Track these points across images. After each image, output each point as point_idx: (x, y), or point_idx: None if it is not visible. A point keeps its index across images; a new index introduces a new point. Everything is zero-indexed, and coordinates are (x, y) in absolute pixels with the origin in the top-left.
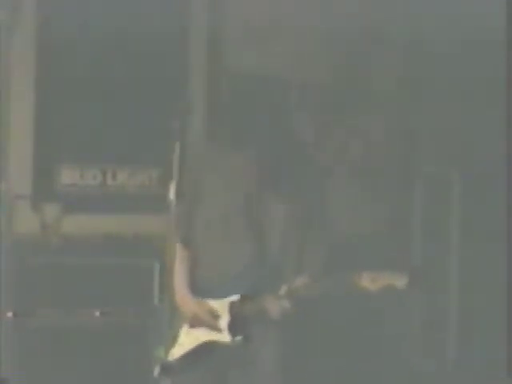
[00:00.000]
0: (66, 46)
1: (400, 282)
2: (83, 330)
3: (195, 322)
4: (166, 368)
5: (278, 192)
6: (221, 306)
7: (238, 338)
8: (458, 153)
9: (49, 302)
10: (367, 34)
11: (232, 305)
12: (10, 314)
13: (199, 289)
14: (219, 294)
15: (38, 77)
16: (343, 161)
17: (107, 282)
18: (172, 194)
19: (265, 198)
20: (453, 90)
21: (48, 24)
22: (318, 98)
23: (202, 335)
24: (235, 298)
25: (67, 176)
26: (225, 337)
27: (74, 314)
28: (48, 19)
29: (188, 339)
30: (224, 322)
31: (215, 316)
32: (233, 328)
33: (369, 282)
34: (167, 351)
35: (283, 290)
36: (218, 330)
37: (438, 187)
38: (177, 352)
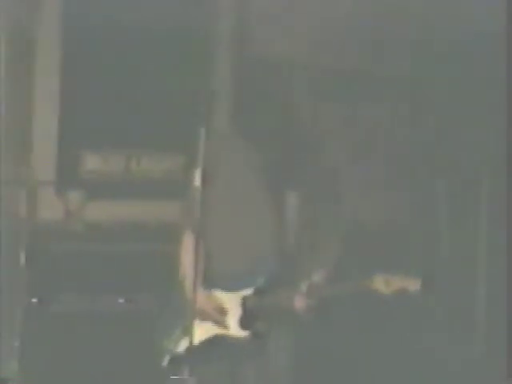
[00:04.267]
0: (91, 31)
1: (413, 286)
2: (106, 316)
3: (203, 316)
4: (175, 359)
5: (297, 184)
6: (232, 299)
7: (247, 333)
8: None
9: (72, 288)
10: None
11: (245, 299)
12: (34, 300)
13: (212, 281)
14: (232, 288)
15: (63, 62)
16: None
17: (131, 268)
18: (197, 181)
19: (282, 190)
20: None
21: (75, 8)
22: (342, 85)
23: (212, 328)
24: (248, 292)
25: (91, 162)
26: (232, 332)
27: (97, 301)
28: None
29: (198, 331)
30: (233, 317)
31: (223, 312)
32: (243, 323)
33: (382, 284)
34: (177, 342)
35: (304, 286)
36: (224, 326)
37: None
38: (186, 344)
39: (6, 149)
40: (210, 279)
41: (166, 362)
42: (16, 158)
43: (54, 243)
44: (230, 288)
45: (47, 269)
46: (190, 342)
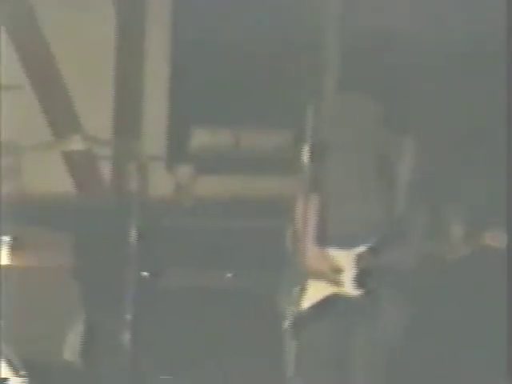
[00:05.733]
0: (201, 8)
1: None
2: (213, 291)
3: (318, 276)
4: (295, 320)
5: (408, 145)
6: (346, 257)
7: (361, 291)
8: None
9: (181, 262)
10: None
11: (359, 256)
12: (145, 274)
13: (326, 239)
14: (347, 245)
15: (174, 39)
16: None
17: (239, 243)
18: (306, 157)
19: (395, 150)
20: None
21: None
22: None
23: (327, 288)
24: (362, 249)
25: (201, 137)
26: (347, 290)
27: (206, 275)
28: None
29: (315, 292)
30: (347, 275)
31: (337, 271)
32: (358, 281)
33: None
34: (295, 304)
35: (457, 235)
36: (339, 284)
37: None
38: (305, 304)
39: (117, 124)
40: (325, 237)
41: (286, 324)
42: (127, 133)
43: (163, 218)
44: (344, 245)
45: (157, 243)
46: (306, 302)
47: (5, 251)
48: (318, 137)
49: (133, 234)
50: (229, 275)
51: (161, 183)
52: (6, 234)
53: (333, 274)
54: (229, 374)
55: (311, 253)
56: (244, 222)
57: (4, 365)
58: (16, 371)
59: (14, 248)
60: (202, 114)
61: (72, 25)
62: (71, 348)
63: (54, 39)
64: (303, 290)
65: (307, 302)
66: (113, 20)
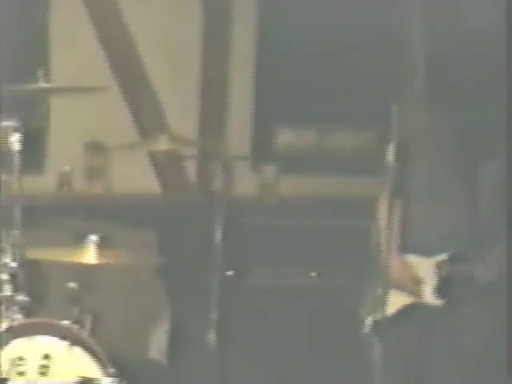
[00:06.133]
0: (287, 7)
1: None
2: (297, 290)
3: (399, 283)
4: (376, 326)
5: (492, 154)
6: (427, 266)
7: (443, 301)
8: None
9: (265, 261)
10: None
11: (440, 265)
12: (230, 273)
13: (408, 246)
14: (428, 253)
15: (259, 38)
16: None
17: (323, 242)
18: (390, 156)
19: (478, 160)
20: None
21: None
22: None
23: (408, 296)
24: (443, 257)
25: (285, 137)
26: (428, 300)
27: (289, 275)
28: None
29: (396, 299)
30: (428, 284)
31: (418, 282)
32: (439, 290)
33: None
34: (377, 310)
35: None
36: (419, 296)
37: None
38: (386, 312)
39: (203, 124)
40: (407, 244)
41: (367, 328)
42: (212, 133)
43: (248, 217)
44: (425, 253)
45: (242, 242)
46: (388, 310)
47: (93, 250)
48: (402, 137)
49: (217, 233)
50: (313, 274)
51: (245, 182)
52: (93, 233)
53: (413, 283)
54: (311, 373)
55: (393, 260)
56: (328, 221)
57: (93, 363)
58: (106, 370)
59: (102, 247)
60: (287, 113)
61: (158, 24)
62: (158, 347)
63: (140, 39)
64: (385, 296)
65: (388, 309)
66: (199, 19)
